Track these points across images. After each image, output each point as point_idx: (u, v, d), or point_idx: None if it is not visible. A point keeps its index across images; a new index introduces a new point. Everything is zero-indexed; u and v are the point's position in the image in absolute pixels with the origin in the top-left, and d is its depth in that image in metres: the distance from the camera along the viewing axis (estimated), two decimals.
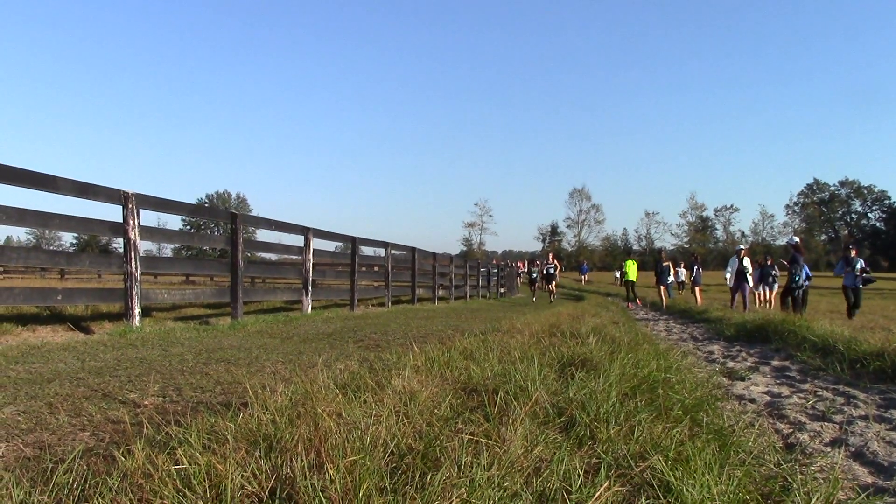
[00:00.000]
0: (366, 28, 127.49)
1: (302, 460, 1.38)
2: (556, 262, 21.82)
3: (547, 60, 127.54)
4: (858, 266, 12.10)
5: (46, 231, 64.19)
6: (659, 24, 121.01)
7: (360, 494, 1.24)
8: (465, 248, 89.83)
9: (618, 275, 45.57)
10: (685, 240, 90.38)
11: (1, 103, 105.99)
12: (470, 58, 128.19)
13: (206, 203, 76.79)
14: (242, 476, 1.35)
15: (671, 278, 18.34)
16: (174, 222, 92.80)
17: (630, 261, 18.86)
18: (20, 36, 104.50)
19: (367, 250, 13.39)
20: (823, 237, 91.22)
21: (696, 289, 17.93)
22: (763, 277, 14.84)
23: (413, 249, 14.68)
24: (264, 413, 1.99)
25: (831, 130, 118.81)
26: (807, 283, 12.63)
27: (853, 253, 12.59)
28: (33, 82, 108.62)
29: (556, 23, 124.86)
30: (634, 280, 18.47)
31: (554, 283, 21.60)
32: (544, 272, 21.65)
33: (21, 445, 1.96)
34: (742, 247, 14.78)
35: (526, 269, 28.64)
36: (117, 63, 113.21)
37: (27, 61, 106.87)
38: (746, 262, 13.71)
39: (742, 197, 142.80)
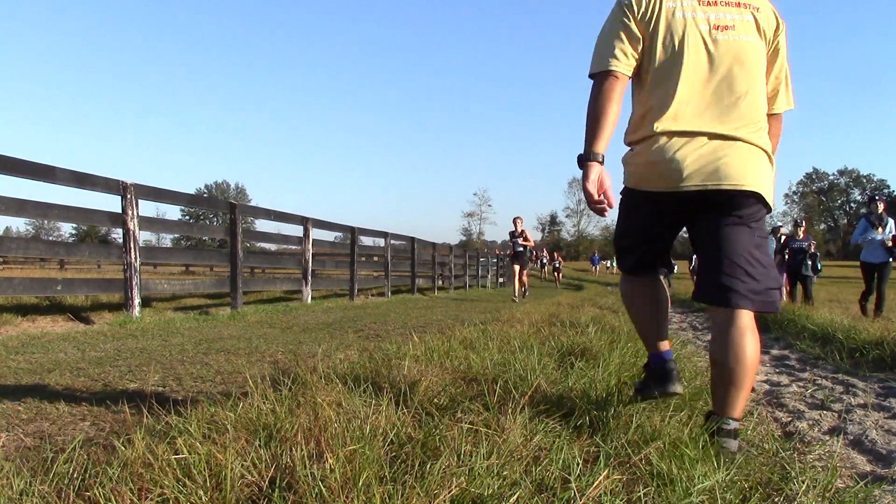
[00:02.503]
0: (364, 16, 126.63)
1: (302, 450, 1.38)
2: (524, 233, 13.13)
3: (545, 48, 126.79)
4: (889, 228, 8.09)
5: (45, 221, 64.08)
6: None
7: (360, 483, 1.24)
8: (464, 238, 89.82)
9: (608, 264, 46.10)
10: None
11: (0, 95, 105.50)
12: (469, 46, 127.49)
13: (204, 193, 76.63)
14: (242, 465, 1.35)
15: (676, 268, 18.33)
16: (173, 212, 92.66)
17: None
18: (19, 27, 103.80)
19: (366, 240, 13.39)
20: (823, 226, 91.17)
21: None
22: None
23: (412, 239, 14.67)
24: (264, 403, 2.00)
25: (831, 119, 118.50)
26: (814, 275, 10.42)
27: (881, 208, 8.30)
28: (33, 73, 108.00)
29: (555, 11, 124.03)
30: None
31: (520, 267, 13.23)
32: (512, 249, 13.47)
33: (21, 435, 1.96)
34: (779, 224, 12.49)
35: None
36: (116, 54, 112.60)
37: (27, 52, 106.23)
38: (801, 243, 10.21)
39: None
